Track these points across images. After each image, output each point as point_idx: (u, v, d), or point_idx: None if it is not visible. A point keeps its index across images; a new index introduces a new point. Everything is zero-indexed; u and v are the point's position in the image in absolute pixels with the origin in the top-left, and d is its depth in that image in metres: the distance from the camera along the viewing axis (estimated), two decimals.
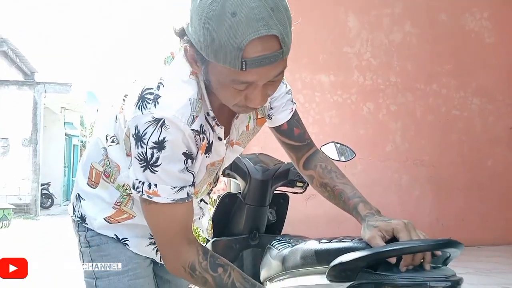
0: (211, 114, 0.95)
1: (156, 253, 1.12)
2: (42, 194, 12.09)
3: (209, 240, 1.70)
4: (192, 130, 0.89)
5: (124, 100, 0.98)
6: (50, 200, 12.97)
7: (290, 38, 0.80)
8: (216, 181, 1.15)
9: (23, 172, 11.00)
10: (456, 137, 5.52)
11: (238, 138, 1.09)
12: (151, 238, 1.10)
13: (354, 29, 5.28)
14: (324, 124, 5.19)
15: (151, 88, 0.88)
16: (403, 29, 5.37)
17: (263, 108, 1.09)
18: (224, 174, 1.68)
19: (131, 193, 1.01)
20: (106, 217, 1.06)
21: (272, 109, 1.11)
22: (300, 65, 5.19)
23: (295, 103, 1.15)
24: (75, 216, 1.11)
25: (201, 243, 0.99)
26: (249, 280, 0.93)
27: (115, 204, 1.06)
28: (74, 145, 17.49)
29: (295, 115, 1.14)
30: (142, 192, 0.89)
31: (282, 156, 1.41)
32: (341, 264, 0.87)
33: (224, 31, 0.74)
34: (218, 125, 0.98)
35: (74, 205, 1.11)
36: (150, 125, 0.85)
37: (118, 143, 1.00)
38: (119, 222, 1.07)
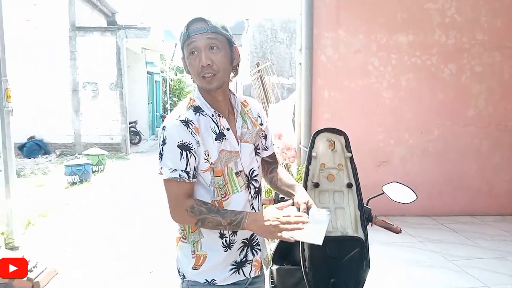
0: (212, 109, 1.40)
1: (237, 272, 1.46)
2: (130, 132, 13.11)
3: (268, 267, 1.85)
4: (181, 120, 1.33)
5: None
6: (138, 136, 14.09)
7: (219, 22, 1.35)
8: (252, 185, 1.50)
9: (112, 114, 11.93)
10: None
11: (243, 135, 1.47)
12: (234, 267, 1.45)
13: None
14: (400, 89, 4.97)
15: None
16: None
17: (256, 118, 1.56)
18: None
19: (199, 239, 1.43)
20: (192, 267, 1.44)
21: (265, 137, 1.58)
22: (376, 26, 4.90)
23: (273, 144, 1.68)
24: (180, 274, 1.50)
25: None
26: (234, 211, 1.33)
27: (191, 254, 1.44)
28: (155, 81, 18.34)
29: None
30: (159, 172, 1.34)
31: None
32: None
33: (182, 32, 1.35)
34: (220, 116, 1.41)
35: (178, 268, 1.51)
36: (161, 131, 1.36)
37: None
38: (202, 265, 1.43)
